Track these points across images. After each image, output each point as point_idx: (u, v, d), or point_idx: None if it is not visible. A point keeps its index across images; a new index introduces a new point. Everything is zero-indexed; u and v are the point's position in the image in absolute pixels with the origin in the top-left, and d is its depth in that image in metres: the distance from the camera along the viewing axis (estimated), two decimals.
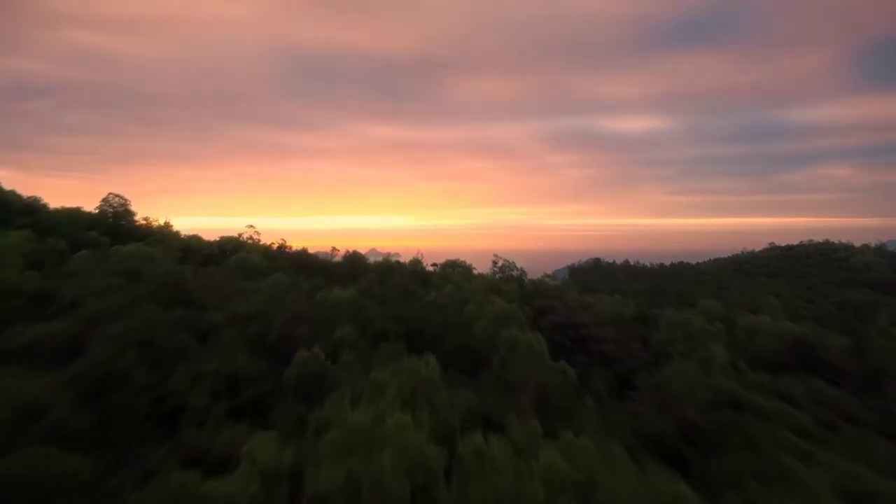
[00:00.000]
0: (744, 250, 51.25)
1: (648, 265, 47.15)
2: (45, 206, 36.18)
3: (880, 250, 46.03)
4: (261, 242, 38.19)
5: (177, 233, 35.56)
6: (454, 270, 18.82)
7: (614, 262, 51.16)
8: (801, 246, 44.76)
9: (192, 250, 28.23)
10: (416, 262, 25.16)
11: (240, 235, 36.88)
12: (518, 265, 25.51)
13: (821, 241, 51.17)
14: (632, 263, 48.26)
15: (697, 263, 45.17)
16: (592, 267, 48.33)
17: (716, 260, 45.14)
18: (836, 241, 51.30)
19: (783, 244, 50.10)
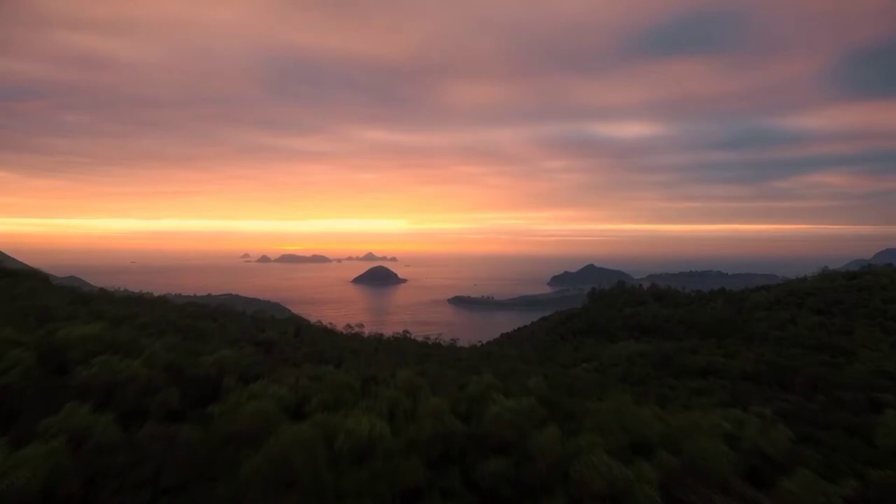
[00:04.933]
0: (797, 277, 43.94)
1: (681, 289, 39.93)
2: None
3: None
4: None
5: None
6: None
7: (640, 284, 44.06)
8: (866, 273, 37.60)
9: None
10: (429, 426, 6.42)
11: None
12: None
13: (883, 264, 44.21)
14: (661, 287, 41.08)
15: (742, 292, 37.93)
16: (616, 290, 41.22)
17: (767, 290, 37.64)
18: None
19: (842, 269, 43.08)
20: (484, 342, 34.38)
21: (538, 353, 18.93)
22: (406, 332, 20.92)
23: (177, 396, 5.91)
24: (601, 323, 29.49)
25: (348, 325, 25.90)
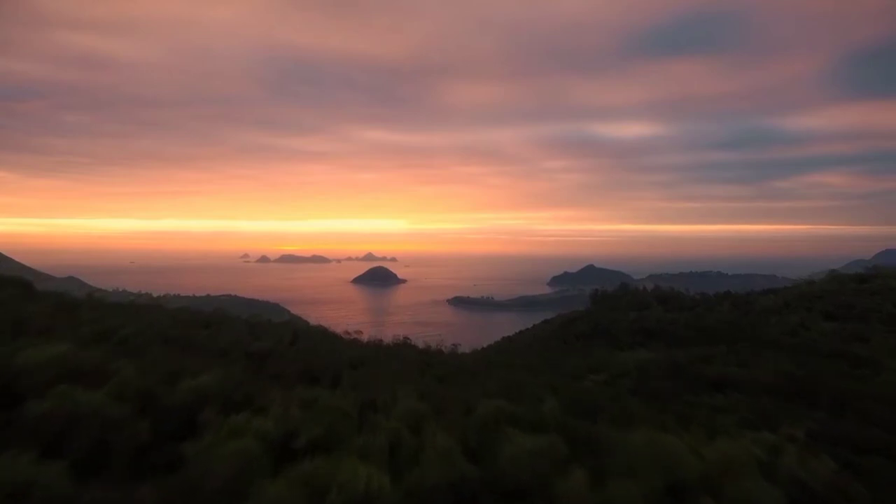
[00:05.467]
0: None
1: (685, 291, 39.18)
2: None
3: None
4: None
5: None
6: None
7: (645, 287, 43.43)
8: (876, 276, 36.60)
9: None
10: None
11: None
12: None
13: (884, 264, 43.53)
14: (664, 289, 40.28)
15: (749, 295, 36.88)
16: (619, 292, 40.48)
17: (775, 293, 36.50)
18: None
19: (841, 269, 42.49)
20: (485, 346, 33.72)
21: (543, 361, 18.27)
22: (406, 337, 20.18)
23: (147, 431, 5.16)
24: (604, 325, 28.92)
25: (346, 332, 25.14)
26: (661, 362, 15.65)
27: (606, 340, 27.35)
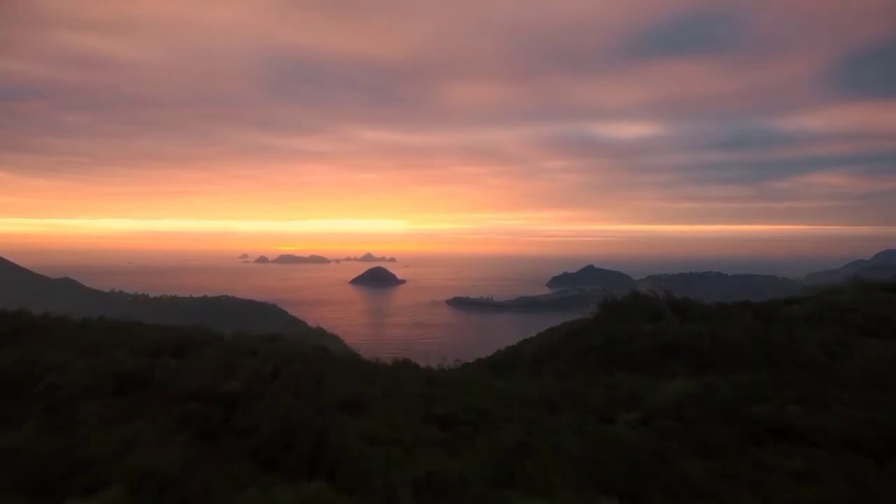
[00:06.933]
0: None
1: (701, 300, 37.26)
2: None
3: None
4: None
5: None
6: None
7: (656, 294, 41.56)
8: None
9: None
10: None
11: None
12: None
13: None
14: (677, 296, 38.24)
15: (771, 303, 35.00)
16: (628, 297, 38.35)
17: (799, 302, 34.66)
18: None
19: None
20: (489, 355, 31.50)
21: (562, 387, 16.07)
22: (406, 360, 18.01)
23: None
24: (617, 337, 26.70)
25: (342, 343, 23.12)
26: (702, 396, 13.61)
27: (622, 356, 25.41)
